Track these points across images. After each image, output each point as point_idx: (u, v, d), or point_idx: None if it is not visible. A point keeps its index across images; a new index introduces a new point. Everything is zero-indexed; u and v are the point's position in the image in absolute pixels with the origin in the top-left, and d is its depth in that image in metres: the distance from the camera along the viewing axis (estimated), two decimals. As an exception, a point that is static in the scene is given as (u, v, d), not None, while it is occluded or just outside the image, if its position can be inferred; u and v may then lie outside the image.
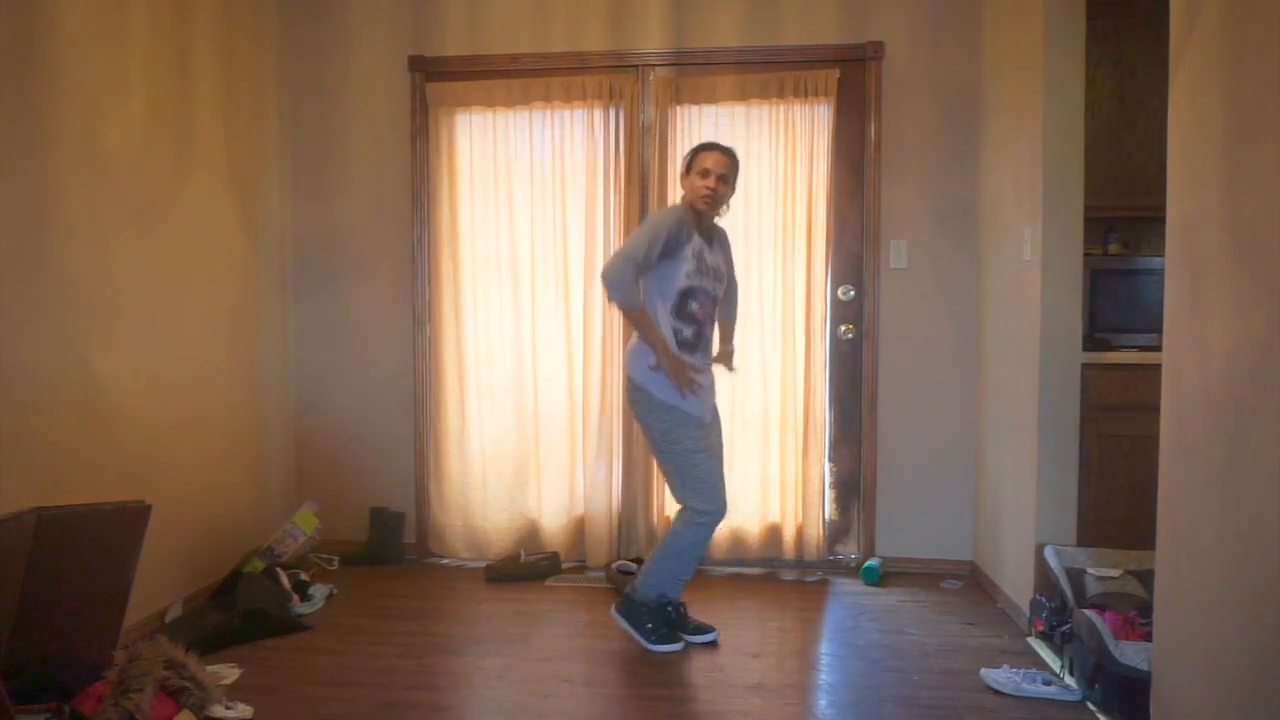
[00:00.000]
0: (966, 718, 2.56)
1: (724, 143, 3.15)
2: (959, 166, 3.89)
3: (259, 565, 3.46)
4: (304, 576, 3.56)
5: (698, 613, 3.26)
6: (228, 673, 2.78)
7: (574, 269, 4.00)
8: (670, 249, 2.95)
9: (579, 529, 4.05)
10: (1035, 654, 3.02)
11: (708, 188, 2.99)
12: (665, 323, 3.01)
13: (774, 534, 3.97)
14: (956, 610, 3.47)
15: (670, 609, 3.11)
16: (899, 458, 3.97)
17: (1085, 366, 3.13)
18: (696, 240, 3.01)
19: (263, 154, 3.96)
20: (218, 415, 3.61)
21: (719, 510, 3.07)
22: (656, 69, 4.00)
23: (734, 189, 3.09)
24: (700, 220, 3.05)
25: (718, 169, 2.99)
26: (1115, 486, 3.13)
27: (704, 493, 3.04)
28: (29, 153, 2.65)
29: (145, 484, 3.02)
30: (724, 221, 3.09)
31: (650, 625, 3.08)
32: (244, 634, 3.08)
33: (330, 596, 3.55)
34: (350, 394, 4.19)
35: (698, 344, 3.06)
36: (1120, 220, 3.64)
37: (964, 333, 3.93)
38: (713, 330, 3.15)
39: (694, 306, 3.02)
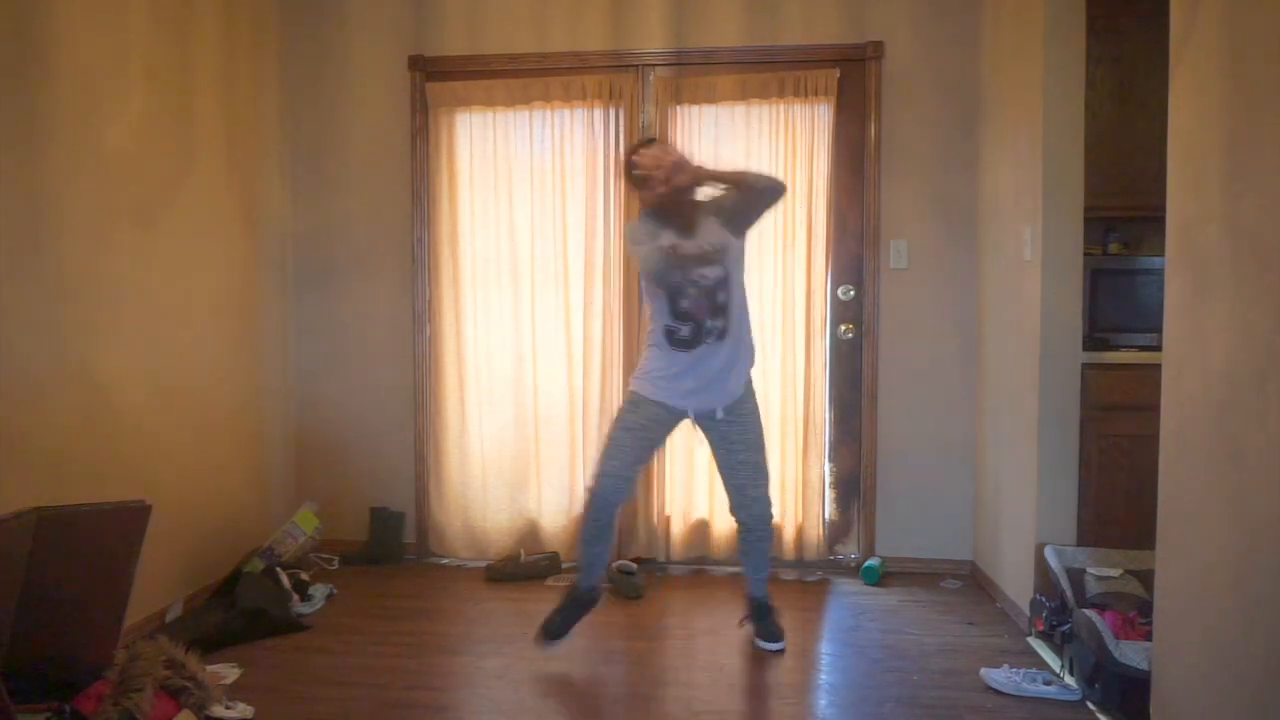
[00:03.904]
0: (966, 718, 2.56)
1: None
2: (959, 166, 3.89)
3: (259, 565, 3.46)
4: (304, 576, 3.56)
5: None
6: (228, 673, 2.78)
7: (574, 268, 4.00)
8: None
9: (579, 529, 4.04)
10: (1035, 654, 3.02)
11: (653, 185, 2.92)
12: (660, 323, 2.97)
13: (774, 534, 3.95)
14: (956, 610, 3.47)
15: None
16: (899, 457, 3.97)
17: (1085, 366, 3.13)
18: (667, 235, 2.91)
19: (263, 153, 3.96)
20: (218, 415, 3.61)
21: (596, 486, 2.98)
22: (656, 69, 3.99)
23: (686, 163, 2.92)
24: (678, 212, 2.94)
25: (650, 166, 2.91)
26: (1115, 486, 3.13)
27: (598, 465, 3.01)
28: (29, 151, 2.65)
29: (145, 484, 3.02)
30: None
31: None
32: (244, 634, 3.08)
33: (330, 596, 3.55)
34: (350, 393, 4.19)
35: (694, 341, 2.93)
36: (1120, 220, 3.64)
37: (964, 333, 3.92)
38: (718, 322, 2.94)
39: (684, 304, 2.93)
